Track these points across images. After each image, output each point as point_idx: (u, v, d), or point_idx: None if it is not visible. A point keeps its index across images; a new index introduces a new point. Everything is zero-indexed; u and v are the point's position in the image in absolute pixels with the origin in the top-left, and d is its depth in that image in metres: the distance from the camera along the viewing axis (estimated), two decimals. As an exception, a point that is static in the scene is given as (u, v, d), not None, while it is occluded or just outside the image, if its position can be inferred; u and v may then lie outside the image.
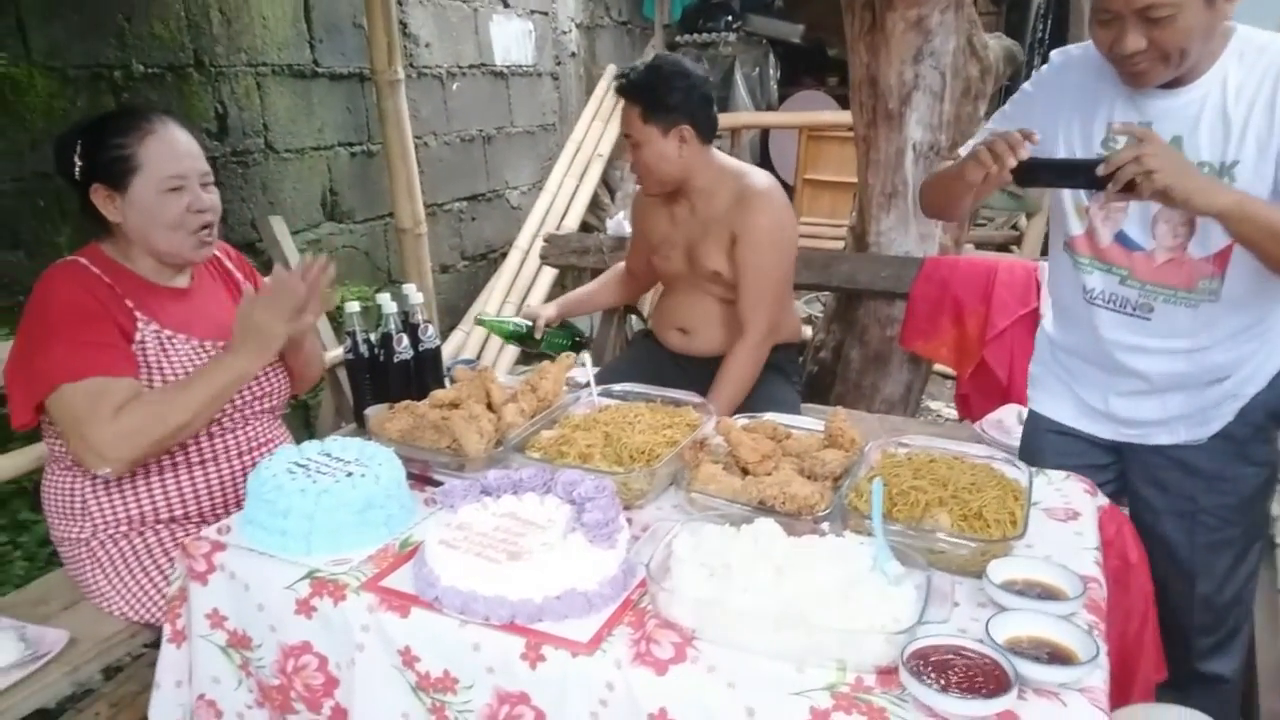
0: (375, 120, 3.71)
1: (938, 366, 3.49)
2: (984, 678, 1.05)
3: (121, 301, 1.70)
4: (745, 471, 1.56)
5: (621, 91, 2.25)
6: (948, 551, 1.32)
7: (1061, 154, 1.63)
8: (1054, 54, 1.73)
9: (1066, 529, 1.49)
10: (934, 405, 4.34)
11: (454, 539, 1.30)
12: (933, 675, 1.05)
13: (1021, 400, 2.62)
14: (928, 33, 2.75)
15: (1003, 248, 5.31)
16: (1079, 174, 1.49)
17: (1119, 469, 1.81)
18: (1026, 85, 1.74)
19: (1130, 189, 1.38)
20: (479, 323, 2.54)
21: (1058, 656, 1.11)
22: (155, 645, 1.84)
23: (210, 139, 3.06)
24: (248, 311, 1.66)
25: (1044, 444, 1.84)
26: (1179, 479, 1.71)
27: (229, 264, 1.97)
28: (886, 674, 1.11)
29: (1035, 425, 1.90)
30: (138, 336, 1.70)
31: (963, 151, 1.72)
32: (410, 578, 1.33)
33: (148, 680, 1.94)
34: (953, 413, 4.22)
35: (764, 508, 1.41)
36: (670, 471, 1.59)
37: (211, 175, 1.78)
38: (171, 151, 1.71)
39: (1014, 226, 5.59)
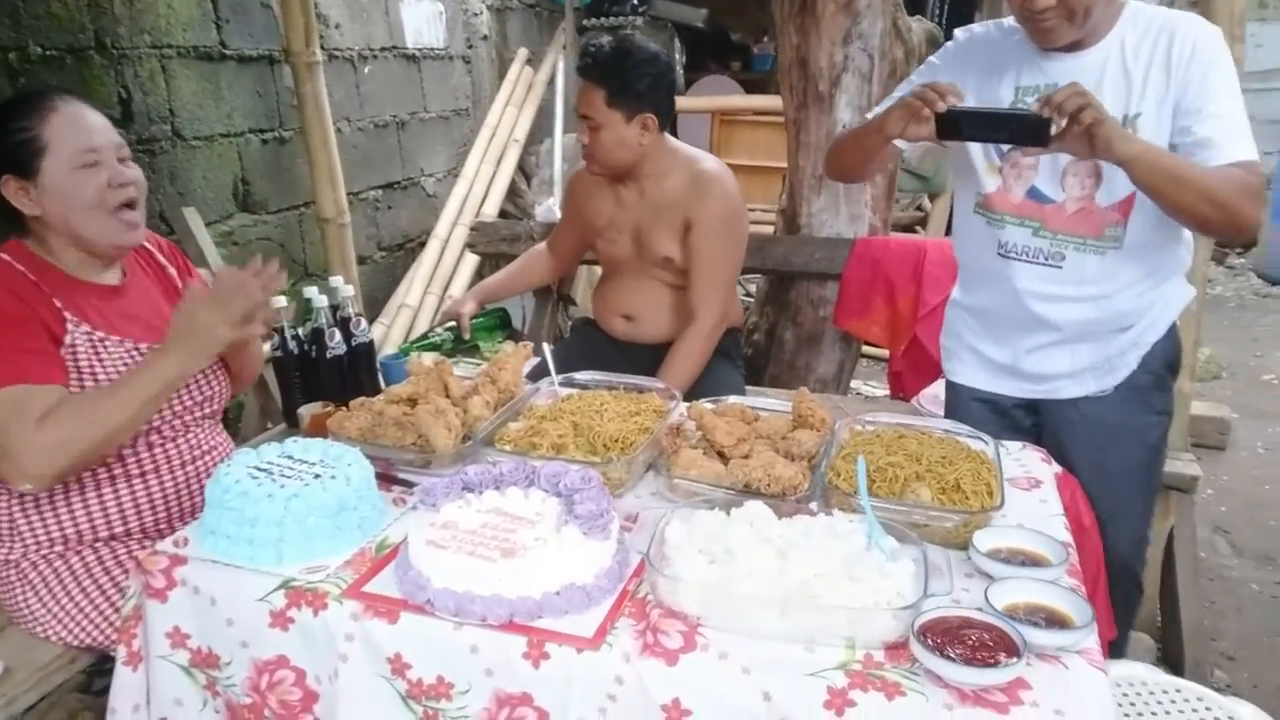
0: (287, 105, 3.54)
1: (864, 347, 3.58)
2: (993, 646, 1.07)
3: (49, 301, 1.56)
4: (721, 455, 1.56)
5: (585, 73, 2.19)
6: (930, 525, 1.35)
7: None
8: (957, 31, 1.84)
9: (1032, 497, 1.55)
10: (854, 384, 4.44)
11: (441, 539, 1.26)
12: (944, 646, 1.07)
13: (954, 375, 2.72)
14: (856, 15, 2.79)
15: (908, 228, 5.47)
16: (1006, 126, 1.55)
17: (1036, 432, 1.90)
18: (932, 58, 1.84)
19: (1061, 137, 1.46)
20: (405, 352, 2.46)
21: (1054, 621, 1.15)
22: (98, 671, 1.73)
23: (114, 126, 2.86)
24: (192, 310, 1.53)
25: (967, 412, 1.92)
26: (1089, 431, 1.82)
27: (161, 257, 1.83)
28: (894, 649, 1.12)
29: (956, 395, 1.99)
30: (67, 340, 1.57)
31: (873, 115, 1.80)
32: (395, 581, 1.28)
33: (72, 707, 1.82)
34: (874, 391, 4.34)
35: (749, 490, 1.42)
36: (647, 458, 1.58)
37: (128, 150, 1.65)
38: (80, 127, 1.57)
39: (919, 208, 5.77)
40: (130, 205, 1.63)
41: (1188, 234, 1.75)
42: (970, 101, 1.67)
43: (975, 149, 1.75)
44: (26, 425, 1.44)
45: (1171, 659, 2.39)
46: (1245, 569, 2.91)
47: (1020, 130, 1.51)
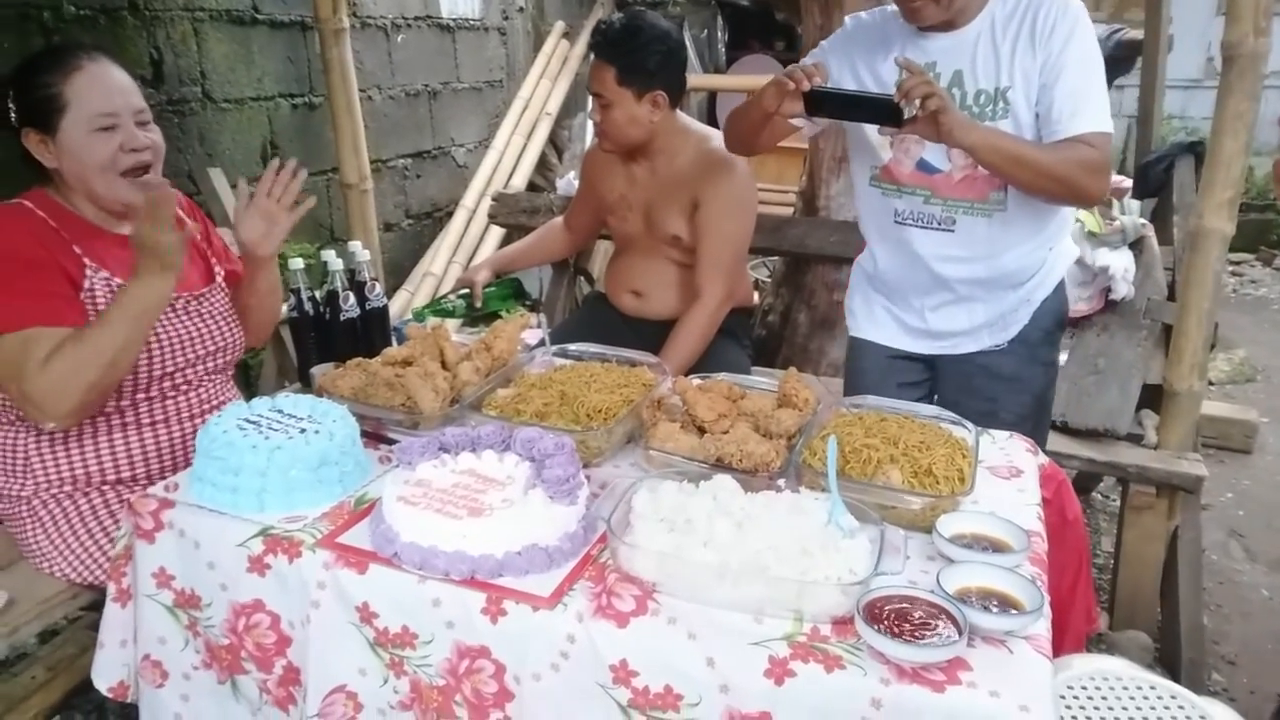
0: (318, 71, 3.59)
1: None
2: (936, 626, 1.09)
3: (69, 247, 1.63)
4: (701, 430, 1.57)
5: (597, 50, 2.19)
6: (899, 507, 1.36)
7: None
8: (847, 18, 1.95)
9: (1010, 486, 1.54)
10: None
11: (413, 495, 1.30)
12: (887, 624, 1.09)
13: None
14: (879, -4, 2.76)
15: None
16: (865, 107, 1.69)
17: (931, 385, 2.05)
18: (824, 42, 1.96)
19: (913, 120, 1.59)
20: (420, 316, 2.50)
21: (1005, 606, 1.15)
22: (95, 608, 1.80)
23: (145, 86, 2.90)
24: (136, 232, 1.55)
25: (868, 366, 2.06)
26: (983, 383, 1.95)
27: (180, 211, 1.87)
28: (842, 624, 1.14)
29: (859, 351, 2.10)
30: (86, 284, 1.64)
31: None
32: (368, 534, 1.32)
33: (85, 643, 1.91)
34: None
35: (721, 465, 1.43)
36: (627, 430, 1.60)
37: (149, 113, 1.70)
38: (101, 88, 1.62)
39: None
40: (143, 169, 1.67)
41: None
42: (852, 83, 1.85)
43: (868, 126, 1.86)
44: (34, 365, 1.51)
45: (1168, 659, 2.37)
46: (1257, 574, 2.87)
47: (877, 112, 1.65)
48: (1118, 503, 3.04)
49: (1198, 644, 2.30)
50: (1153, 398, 2.47)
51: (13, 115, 1.61)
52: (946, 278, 1.89)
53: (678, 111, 2.29)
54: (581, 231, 2.70)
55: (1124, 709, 1.53)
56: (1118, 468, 2.33)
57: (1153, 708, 1.52)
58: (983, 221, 1.83)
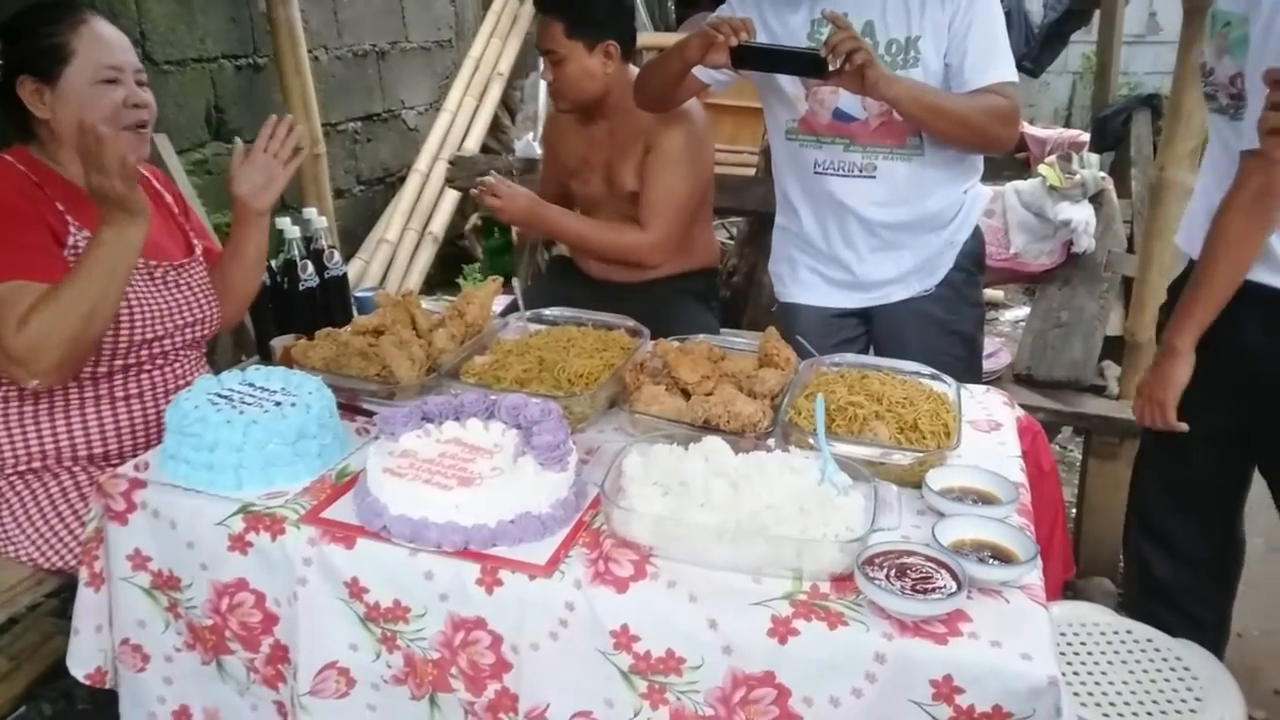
0: (262, 31, 3.46)
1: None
2: (935, 580, 1.09)
3: (52, 204, 1.59)
4: (685, 392, 1.56)
5: (542, 5, 2.15)
6: (887, 463, 1.36)
7: None
8: None
9: (991, 439, 1.56)
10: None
11: (399, 467, 1.27)
12: (888, 579, 1.09)
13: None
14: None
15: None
16: (790, 60, 1.75)
17: (866, 339, 2.08)
18: None
19: (839, 72, 1.65)
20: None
21: (999, 557, 1.17)
22: (58, 594, 1.74)
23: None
24: (86, 184, 1.50)
25: (802, 329, 1.98)
26: (918, 328, 2.00)
27: (156, 184, 1.86)
28: (840, 580, 1.14)
29: (792, 315, 2.11)
30: (69, 242, 1.59)
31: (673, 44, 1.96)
32: (352, 508, 1.29)
33: (49, 630, 1.85)
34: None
35: (709, 427, 1.42)
36: (610, 394, 1.59)
37: (145, 75, 1.68)
38: (106, 43, 1.62)
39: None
40: (142, 126, 1.66)
41: None
42: (764, 35, 1.84)
43: (784, 80, 1.90)
44: (13, 320, 1.46)
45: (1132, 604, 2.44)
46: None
47: (803, 65, 1.72)
48: (1075, 453, 3.12)
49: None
50: (1114, 349, 2.52)
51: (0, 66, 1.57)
52: (872, 221, 1.94)
53: (631, 66, 2.25)
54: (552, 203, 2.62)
55: (1102, 654, 1.57)
56: (1082, 418, 2.38)
57: (1130, 651, 1.56)
58: (902, 166, 1.89)
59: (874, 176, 1.90)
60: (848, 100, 1.85)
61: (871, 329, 2.08)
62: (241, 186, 1.76)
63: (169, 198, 1.87)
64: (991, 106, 1.77)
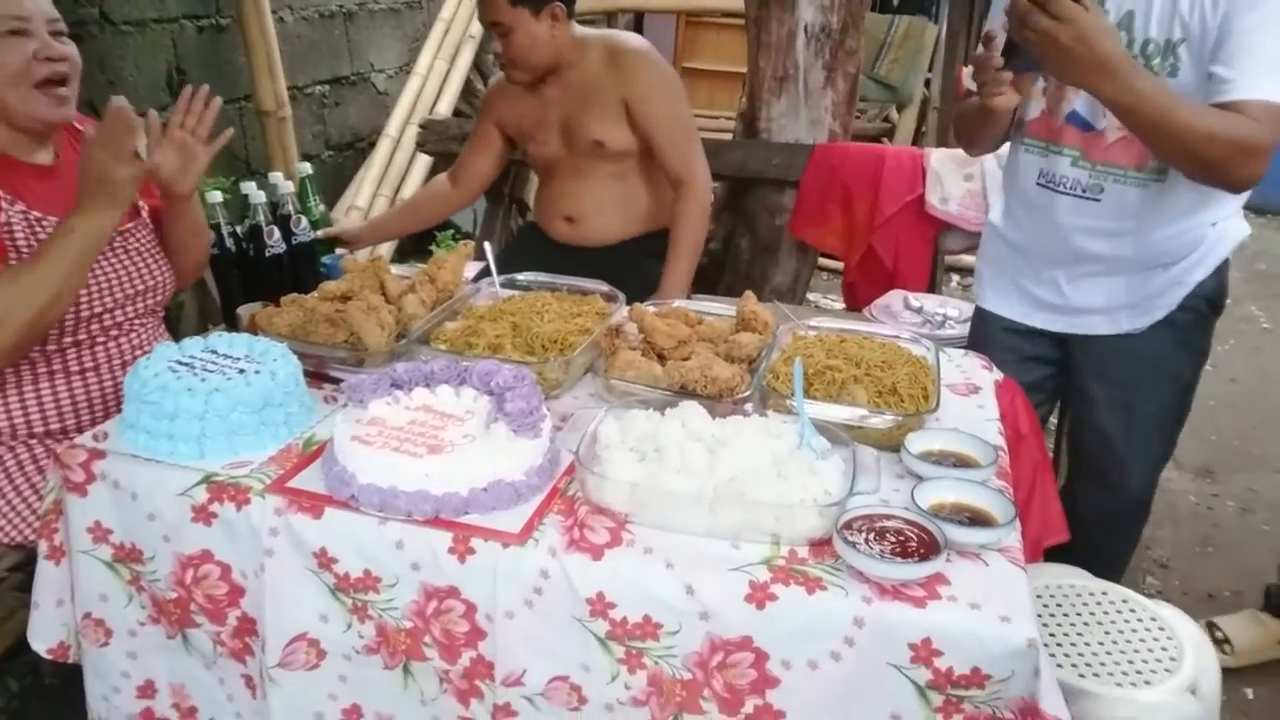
0: (223, -11, 3.36)
1: (820, 259, 3.55)
2: (914, 543, 1.08)
3: None
4: (661, 357, 1.54)
5: None
6: (866, 427, 1.34)
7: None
8: None
9: (969, 402, 1.55)
10: (811, 296, 4.43)
11: (367, 435, 1.23)
12: (866, 543, 1.08)
13: (906, 286, 2.71)
14: (821, -94, 2.68)
15: (875, 139, 5.39)
16: (1019, 50, 1.47)
17: (1063, 365, 1.85)
18: None
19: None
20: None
21: (977, 520, 1.16)
22: (20, 568, 1.70)
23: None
24: (87, 158, 1.45)
25: (993, 341, 1.87)
26: (1120, 369, 1.76)
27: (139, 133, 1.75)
28: (819, 545, 1.13)
29: (984, 322, 1.92)
30: (2, 218, 1.51)
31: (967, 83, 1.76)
32: (320, 477, 1.26)
33: (14, 605, 1.80)
34: (831, 304, 4.33)
35: (686, 391, 1.40)
36: (585, 360, 1.55)
37: (63, 24, 1.56)
38: None
39: (886, 119, 5.67)
40: (60, 82, 1.54)
41: None
42: None
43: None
44: None
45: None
46: (1184, 482, 2.99)
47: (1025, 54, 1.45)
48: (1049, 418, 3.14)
49: (1135, 550, 2.39)
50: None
51: None
52: (1086, 251, 1.68)
53: (573, 22, 2.20)
54: (473, 183, 2.50)
55: (1078, 615, 1.57)
56: (1058, 382, 2.37)
57: (1106, 613, 1.57)
58: (1134, 192, 1.61)
59: (1099, 199, 1.63)
60: (1085, 103, 1.60)
61: (1069, 356, 1.83)
62: (160, 169, 1.57)
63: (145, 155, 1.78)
64: (1234, 132, 1.39)
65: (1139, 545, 2.43)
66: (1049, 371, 1.86)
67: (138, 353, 1.70)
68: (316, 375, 1.56)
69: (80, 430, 1.63)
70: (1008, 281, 1.86)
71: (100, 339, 1.65)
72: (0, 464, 1.60)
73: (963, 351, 1.74)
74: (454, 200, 2.54)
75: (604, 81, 2.16)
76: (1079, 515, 1.76)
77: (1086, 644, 1.48)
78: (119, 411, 1.63)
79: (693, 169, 2.21)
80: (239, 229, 2.00)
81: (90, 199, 1.46)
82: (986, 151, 1.90)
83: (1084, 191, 1.65)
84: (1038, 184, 1.71)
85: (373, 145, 4.37)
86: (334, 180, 4.31)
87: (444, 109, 4.48)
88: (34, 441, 1.62)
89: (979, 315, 1.95)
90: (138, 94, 3.04)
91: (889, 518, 1.12)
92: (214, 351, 1.43)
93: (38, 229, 1.54)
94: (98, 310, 1.61)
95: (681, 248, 2.20)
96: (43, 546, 1.38)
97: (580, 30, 2.22)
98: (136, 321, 1.71)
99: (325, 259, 2.22)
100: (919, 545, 1.08)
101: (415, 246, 4.32)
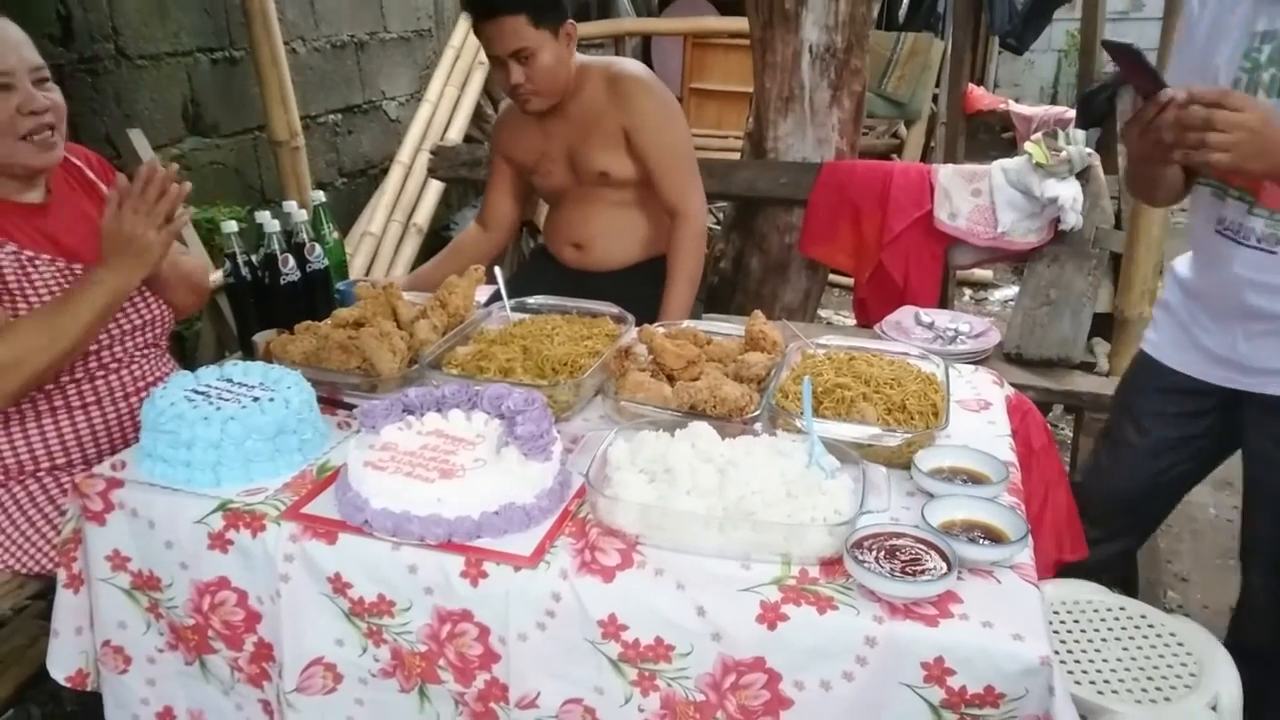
0: (237, 23, 3.40)
1: (831, 275, 3.55)
2: (925, 561, 1.08)
3: None
4: (670, 378, 1.54)
5: (495, 6, 2.00)
6: (876, 445, 1.35)
7: (1221, 71, 1.47)
8: None
9: (980, 418, 1.55)
10: (823, 313, 4.44)
11: (380, 460, 1.24)
12: (877, 561, 1.08)
13: (917, 301, 2.71)
14: (823, -71, 2.70)
15: (884, 156, 5.40)
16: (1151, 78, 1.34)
17: (1218, 419, 1.71)
18: (1193, 2, 1.56)
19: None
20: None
21: (989, 537, 1.15)
22: (42, 596, 1.72)
23: (54, 45, 2.73)
24: (114, 221, 1.47)
25: (1148, 385, 1.77)
26: None
27: (90, 174, 1.75)
28: (829, 564, 1.13)
29: (1146, 367, 1.78)
30: None
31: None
32: (334, 503, 1.27)
33: (35, 633, 1.83)
34: (844, 320, 4.34)
35: (695, 412, 1.41)
36: (595, 382, 1.57)
37: (48, 71, 1.57)
38: None
39: (894, 135, 5.69)
40: (49, 130, 1.55)
41: None
42: (1225, 50, 1.46)
43: None
44: None
45: (1125, 579, 2.44)
46: (1203, 494, 2.96)
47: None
48: (1066, 431, 3.12)
49: (1154, 564, 2.37)
50: (1103, 326, 2.51)
51: None
52: (1262, 309, 1.52)
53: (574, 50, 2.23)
54: (501, 221, 2.50)
55: (1096, 631, 1.56)
56: (1072, 395, 2.36)
57: (1124, 628, 1.55)
58: None
59: (1274, 253, 1.46)
60: None
61: (1235, 414, 1.66)
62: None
63: (103, 185, 1.74)
64: None
65: (1159, 559, 2.41)
66: (1202, 427, 1.72)
67: (141, 384, 1.71)
68: (330, 401, 1.58)
69: (86, 463, 1.65)
70: (1182, 332, 1.71)
71: (100, 374, 1.66)
72: (12, 497, 1.62)
73: (973, 368, 1.73)
74: (486, 244, 2.51)
75: (604, 110, 2.17)
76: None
77: (1105, 660, 1.47)
78: (126, 442, 1.67)
79: (687, 198, 2.21)
80: (254, 258, 2.02)
81: (119, 258, 1.48)
82: (1175, 202, 1.71)
83: (1259, 242, 1.49)
84: (1215, 231, 1.56)
85: (385, 172, 4.42)
86: (347, 207, 4.36)
87: (455, 135, 4.53)
88: (43, 475, 1.64)
89: (1143, 360, 1.79)
90: (154, 127, 3.09)
91: (900, 536, 1.12)
92: (229, 380, 1.45)
93: (29, 269, 1.55)
94: (93, 347, 1.62)
95: (680, 275, 2.20)
96: (62, 575, 1.40)
97: (580, 58, 2.24)
98: (137, 354, 1.72)
99: (339, 285, 2.24)
100: (930, 563, 1.07)
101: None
